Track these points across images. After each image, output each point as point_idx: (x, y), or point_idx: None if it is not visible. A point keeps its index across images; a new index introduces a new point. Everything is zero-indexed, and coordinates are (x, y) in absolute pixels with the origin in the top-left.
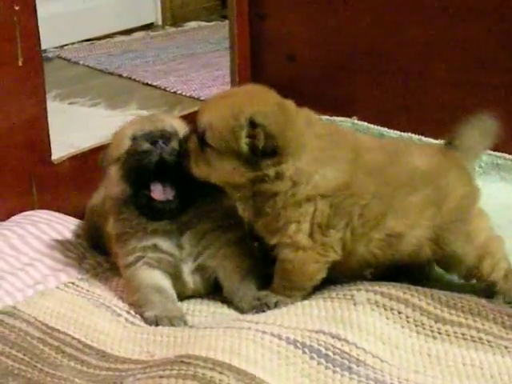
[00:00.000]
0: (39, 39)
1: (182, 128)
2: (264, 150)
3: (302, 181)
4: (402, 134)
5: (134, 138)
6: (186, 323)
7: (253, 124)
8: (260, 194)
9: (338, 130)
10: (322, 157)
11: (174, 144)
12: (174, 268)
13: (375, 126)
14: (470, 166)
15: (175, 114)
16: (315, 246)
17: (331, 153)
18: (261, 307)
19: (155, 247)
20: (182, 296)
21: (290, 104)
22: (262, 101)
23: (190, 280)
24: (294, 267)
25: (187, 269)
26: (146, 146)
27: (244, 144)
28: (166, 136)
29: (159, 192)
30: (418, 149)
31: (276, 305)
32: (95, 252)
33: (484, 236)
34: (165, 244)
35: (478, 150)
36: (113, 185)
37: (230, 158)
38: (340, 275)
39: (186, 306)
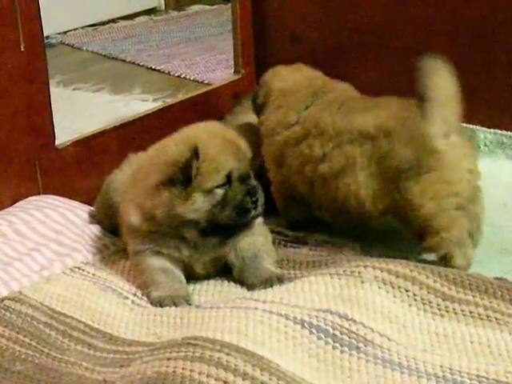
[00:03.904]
0: (41, 24)
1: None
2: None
3: (263, 121)
4: None
5: (230, 179)
6: (189, 303)
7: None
8: None
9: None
10: (273, 107)
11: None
12: (186, 261)
13: None
14: (449, 117)
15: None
16: (277, 178)
17: (280, 106)
18: (269, 281)
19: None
20: (191, 277)
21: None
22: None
23: (202, 270)
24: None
25: (200, 264)
26: (249, 205)
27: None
28: (258, 188)
29: None
30: (377, 111)
31: (280, 280)
32: (102, 235)
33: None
34: (185, 250)
35: (448, 95)
36: (188, 208)
37: None
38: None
39: (192, 285)
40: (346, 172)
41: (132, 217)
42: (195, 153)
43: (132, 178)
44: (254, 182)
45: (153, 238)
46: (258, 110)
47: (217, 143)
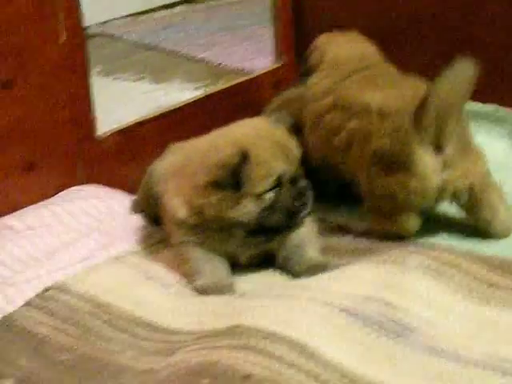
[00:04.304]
0: (81, 14)
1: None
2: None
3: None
4: None
5: (280, 181)
6: (234, 292)
7: None
8: None
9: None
10: (322, 75)
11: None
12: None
13: None
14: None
15: (219, 86)
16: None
17: (328, 75)
18: (314, 269)
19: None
20: (236, 266)
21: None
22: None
23: (246, 261)
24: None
25: (245, 256)
26: (299, 208)
27: None
28: (307, 188)
29: None
30: (390, 90)
31: (324, 268)
32: (145, 224)
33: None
34: (231, 245)
35: (452, 104)
36: (238, 212)
37: None
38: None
39: (236, 274)
40: (350, 145)
41: (180, 210)
42: (245, 157)
43: (178, 169)
44: (303, 182)
45: (198, 230)
46: (308, 72)
47: (267, 146)
